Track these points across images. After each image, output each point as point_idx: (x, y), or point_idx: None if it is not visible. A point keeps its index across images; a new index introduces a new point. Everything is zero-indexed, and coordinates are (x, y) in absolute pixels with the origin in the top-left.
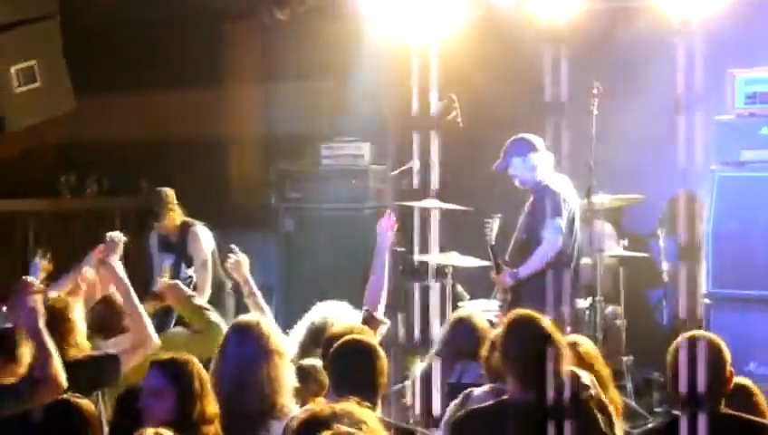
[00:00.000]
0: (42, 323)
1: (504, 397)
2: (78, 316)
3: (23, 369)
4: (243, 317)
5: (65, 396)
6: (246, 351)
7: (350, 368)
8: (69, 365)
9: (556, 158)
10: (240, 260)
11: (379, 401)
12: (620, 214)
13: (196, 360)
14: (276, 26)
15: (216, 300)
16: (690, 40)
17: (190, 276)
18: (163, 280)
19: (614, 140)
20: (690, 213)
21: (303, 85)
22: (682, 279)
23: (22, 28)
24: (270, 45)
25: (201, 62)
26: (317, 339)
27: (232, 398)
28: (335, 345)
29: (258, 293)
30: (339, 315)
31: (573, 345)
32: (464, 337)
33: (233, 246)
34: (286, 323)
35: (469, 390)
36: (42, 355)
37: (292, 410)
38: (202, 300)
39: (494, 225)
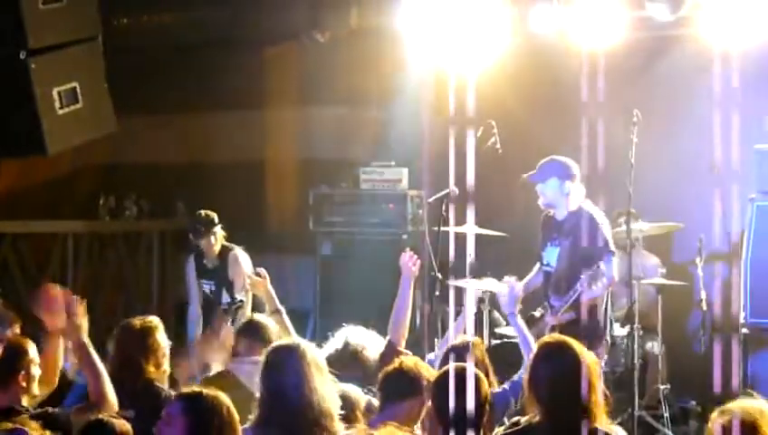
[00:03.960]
0: (87, 340)
1: (532, 421)
2: (164, 344)
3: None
4: (282, 341)
5: (102, 416)
6: (289, 374)
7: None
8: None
9: (594, 187)
10: (257, 279)
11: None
12: (665, 243)
13: (226, 400)
14: (316, 50)
15: None
16: (729, 68)
17: (241, 301)
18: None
19: (653, 168)
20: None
21: (342, 110)
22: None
23: (64, 50)
24: (310, 69)
25: (241, 86)
26: (343, 362)
27: (277, 420)
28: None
29: (282, 309)
30: (364, 340)
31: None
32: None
33: (245, 271)
34: (322, 346)
35: (517, 419)
36: (93, 377)
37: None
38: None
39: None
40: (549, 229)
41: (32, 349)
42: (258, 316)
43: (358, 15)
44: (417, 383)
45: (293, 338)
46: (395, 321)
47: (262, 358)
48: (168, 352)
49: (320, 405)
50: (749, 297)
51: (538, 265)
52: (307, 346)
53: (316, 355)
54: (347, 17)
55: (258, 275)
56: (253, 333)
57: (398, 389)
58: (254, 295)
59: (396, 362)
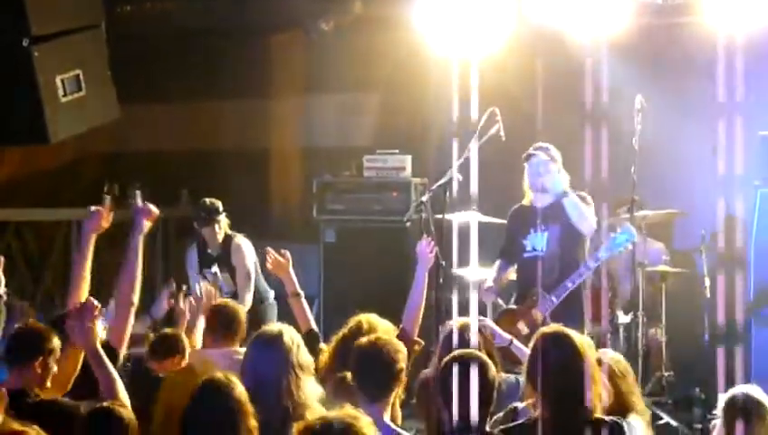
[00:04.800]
0: (99, 346)
1: (534, 416)
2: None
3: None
4: (266, 328)
5: (106, 404)
6: (266, 362)
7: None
8: None
9: (598, 173)
10: (281, 259)
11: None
12: (666, 230)
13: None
14: (320, 38)
15: (259, 311)
16: (734, 56)
17: (215, 272)
18: None
19: (658, 154)
20: (729, 229)
21: (346, 97)
22: (721, 293)
23: (67, 38)
24: (313, 57)
25: (245, 74)
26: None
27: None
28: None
29: (302, 293)
30: (377, 328)
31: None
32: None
33: (269, 249)
34: (327, 335)
35: (514, 405)
36: (106, 380)
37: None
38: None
39: None
40: (528, 217)
41: (55, 340)
42: (228, 301)
43: (362, 3)
44: (392, 376)
45: (283, 327)
46: (409, 309)
47: (245, 349)
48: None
49: (293, 396)
50: (753, 283)
51: (502, 259)
52: (288, 333)
53: (297, 342)
54: (351, 5)
55: (282, 256)
56: (221, 322)
57: (373, 393)
58: (255, 285)
59: (363, 356)
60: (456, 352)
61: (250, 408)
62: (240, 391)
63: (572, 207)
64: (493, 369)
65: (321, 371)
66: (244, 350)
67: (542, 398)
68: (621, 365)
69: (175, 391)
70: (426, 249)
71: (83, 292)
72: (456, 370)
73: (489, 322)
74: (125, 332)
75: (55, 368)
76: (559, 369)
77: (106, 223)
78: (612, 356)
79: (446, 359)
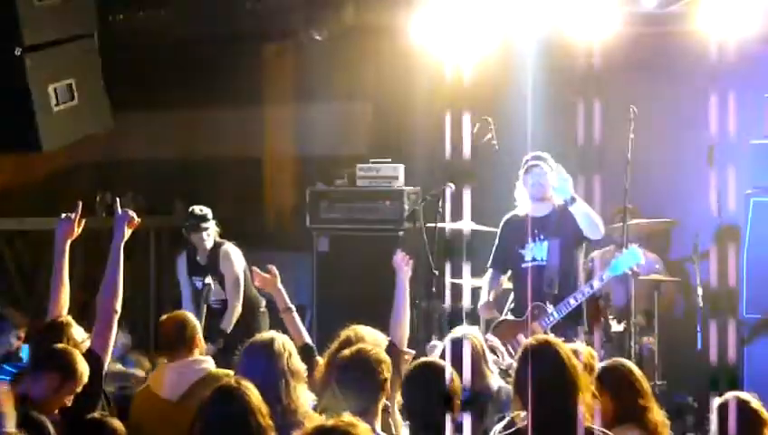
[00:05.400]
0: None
1: (520, 426)
2: (79, 338)
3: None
4: (258, 335)
5: (96, 415)
6: (257, 368)
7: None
8: None
9: (590, 181)
10: (267, 275)
11: None
12: (662, 241)
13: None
14: (313, 47)
15: (250, 320)
16: (726, 64)
17: (208, 283)
18: None
19: (650, 163)
20: (722, 238)
21: (339, 106)
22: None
23: (60, 47)
24: (306, 66)
25: (237, 83)
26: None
27: None
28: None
29: (293, 307)
30: (370, 339)
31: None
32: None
33: (254, 268)
34: (320, 344)
35: (517, 413)
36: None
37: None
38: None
39: None
40: (524, 226)
41: (81, 369)
42: (175, 314)
43: (354, 13)
44: (376, 385)
45: (276, 334)
46: (394, 321)
47: (205, 357)
48: (89, 343)
49: (286, 402)
50: (745, 292)
51: (494, 268)
52: (279, 341)
53: (288, 350)
54: (343, 15)
55: (268, 271)
56: (166, 337)
57: (359, 404)
58: (245, 292)
59: (346, 367)
60: (418, 361)
61: (264, 409)
62: (252, 394)
63: (582, 215)
64: (456, 379)
65: (317, 383)
66: (203, 358)
67: (525, 408)
68: (619, 373)
69: (140, 412)
70: (401, 262)
71: (65, 298)
72: (417, 379)
73: (497, 341)
74: (109, 339)
75: (66, 399)
76: (543, 379)
77: (78, 229)
78: (613, 364)
79: (409, 369)
